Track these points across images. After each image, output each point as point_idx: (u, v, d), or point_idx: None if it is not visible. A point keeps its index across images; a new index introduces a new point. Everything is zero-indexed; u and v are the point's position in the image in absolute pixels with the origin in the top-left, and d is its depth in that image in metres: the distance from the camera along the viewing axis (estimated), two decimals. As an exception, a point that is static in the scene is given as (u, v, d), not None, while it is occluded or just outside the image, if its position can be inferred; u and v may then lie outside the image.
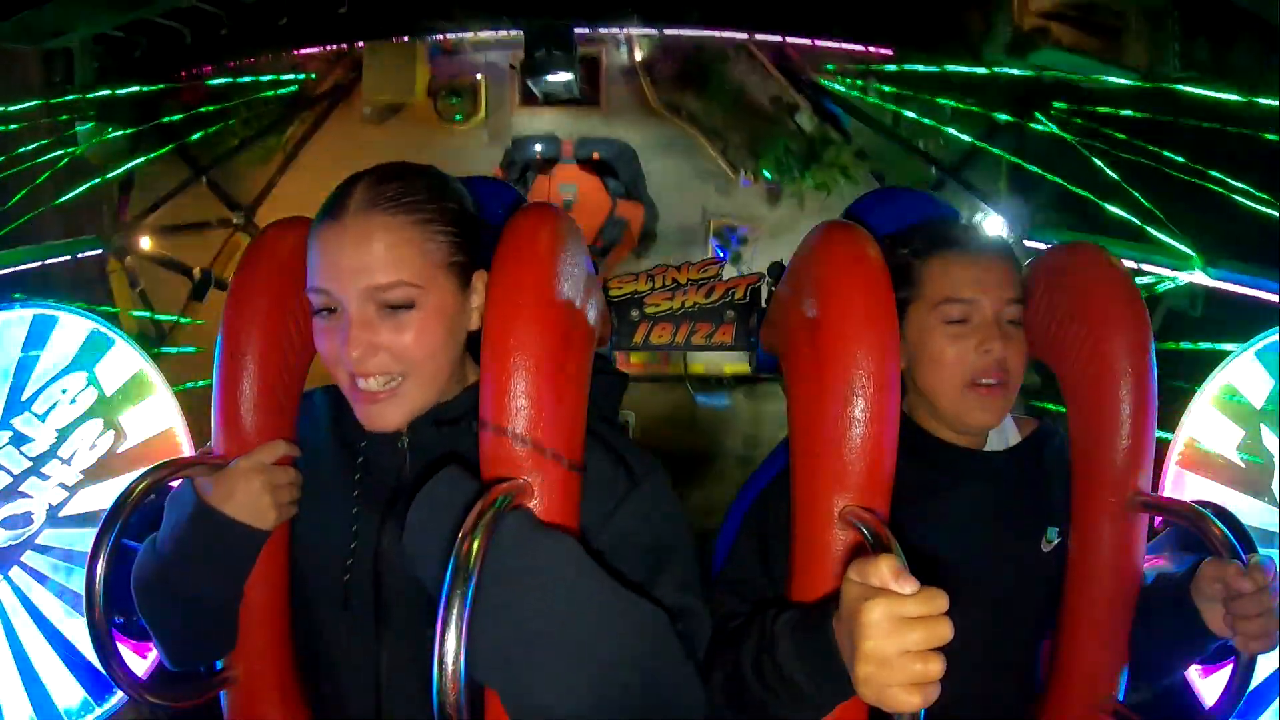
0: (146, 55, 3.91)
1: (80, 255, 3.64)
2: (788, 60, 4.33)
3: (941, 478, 1.02)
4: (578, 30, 3.96)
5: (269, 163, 4.42)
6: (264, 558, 0.88)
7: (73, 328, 1.93)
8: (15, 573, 1.87)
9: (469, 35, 4.38)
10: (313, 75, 4.40)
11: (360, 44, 4.23)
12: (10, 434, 1.88)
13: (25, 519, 1.88)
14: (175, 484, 0.91)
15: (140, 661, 1.76)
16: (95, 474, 1.90)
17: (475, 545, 0.65)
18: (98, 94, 3.68)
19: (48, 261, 3.31)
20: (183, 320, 4.13)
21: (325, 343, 0.83)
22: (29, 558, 1.88)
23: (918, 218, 1.10)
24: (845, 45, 4.11)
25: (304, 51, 4.29)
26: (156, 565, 0.87)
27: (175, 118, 4.06)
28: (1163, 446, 1.41)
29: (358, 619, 0.87)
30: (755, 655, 0.80)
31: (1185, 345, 2.74)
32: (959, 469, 1.03)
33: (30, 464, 1.88)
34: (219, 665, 0.93)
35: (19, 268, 3.09)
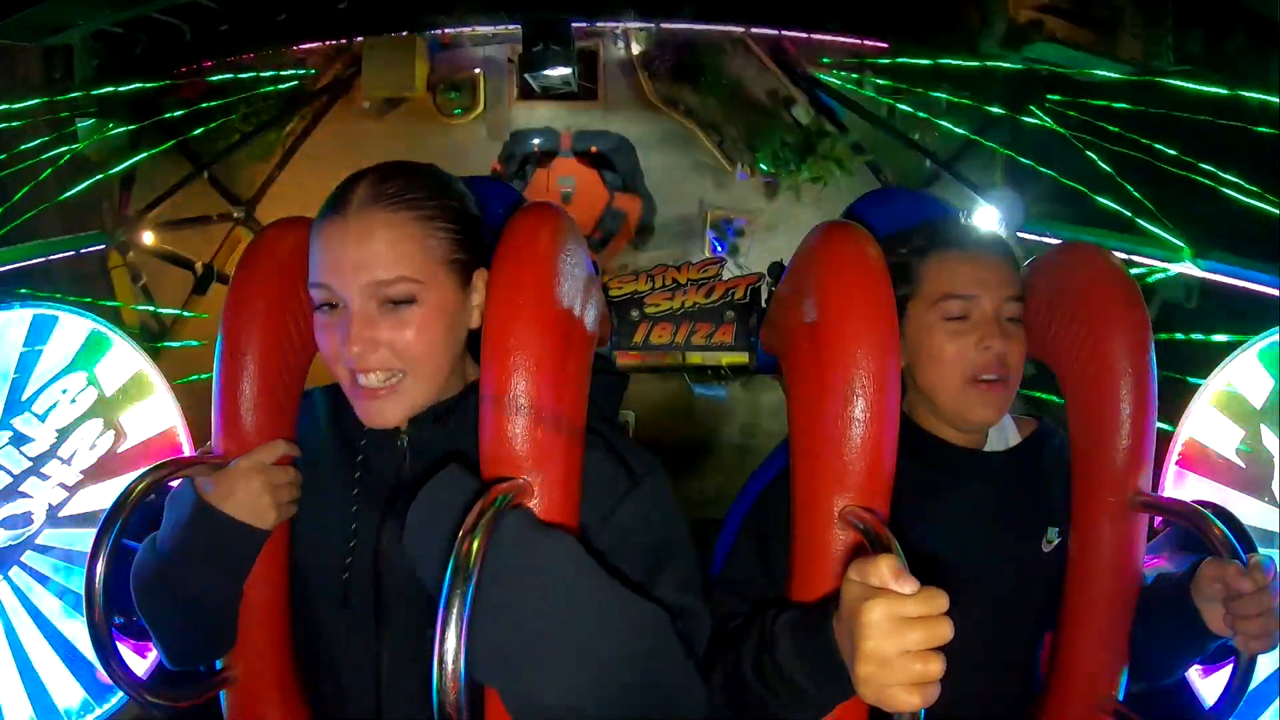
0: (146, 51, 3.92)
1: (83, 251, 3.65)
2: (784, 54, 4.35)
3: (941, 478, 1.02)
4: (575, 24, 3.98)
5: (269, 157, 4.44)
6: (264, 557, 0.88)
7: (73, 328, 1.93)
8: (15, 573, 1.87)
9: (467, 30, 4.41)
10: (313, 70, 4.42)
11: (359, 39, 4.25)
12: (10, 434, 1.88)
13: (25, 519, 1.88)
14: (175, 484, 0.91)
15: (140, 661, 1.76)
16: (95, 474, 1.90)
17: (475, 545, 0.64)
18: (101, 91, 3.69)
19: (52, 257, 3.32)
20: (185, 314, 4.16)
21: (326, 339, 0.83)
22: (29, 558, 1.88)
23: (918, 218, 1.10)
24: (841, 38, 4.13)
25: (303, 47, 4.31)
26: (156, 564, 0.87)
27: (176, 114, 4.08)
28: (1163, 443, 1.41)
29: (357, 618, 0.87)
30: (755, 655, 0.80)
31: (1178, 336, 2.75)
32: (959, 469, 1.03)
33: (30, 464, 1.88)
34: (219, 665, 0.93)
35: (23, 264, 3.10)
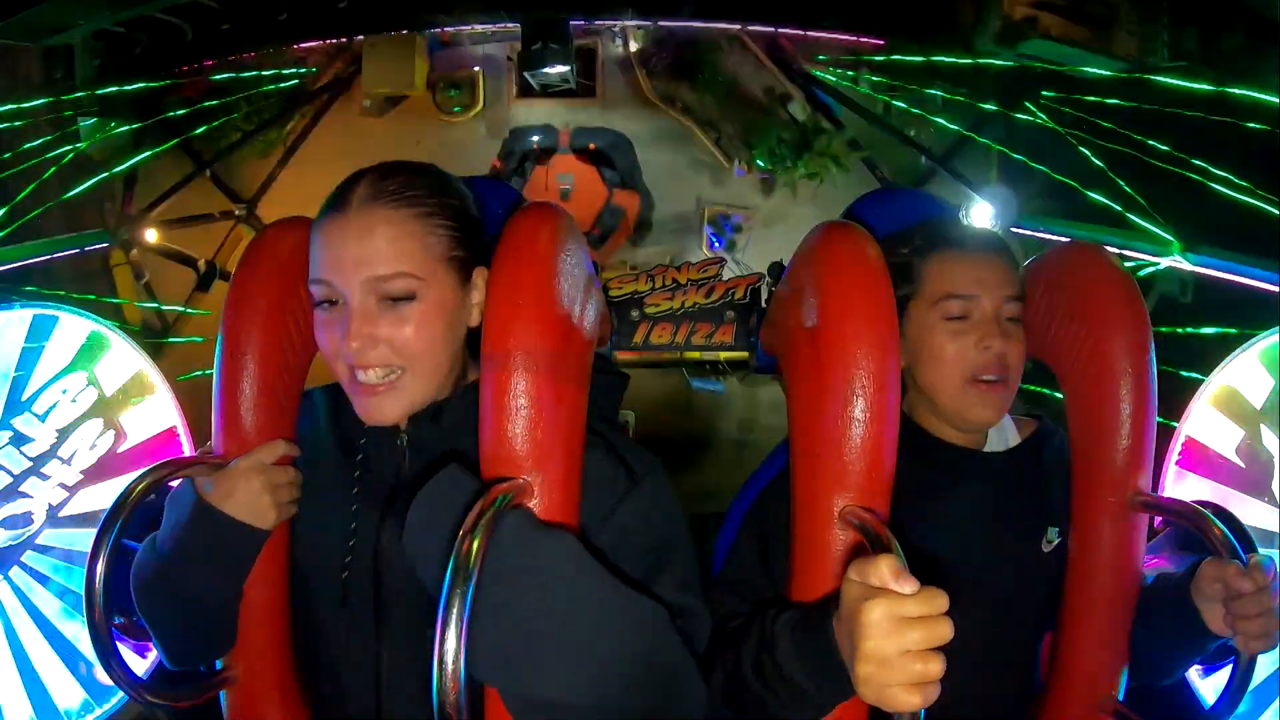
0: (147, 51, 3.94)
1: (86, 249, 3.68)
2: (780, 51, 4.38)
3: (941, 478, 1.02)
4: (573, 22, 4.01)
5: (270, 156, 4.48)
6: (263, 557, 0.88)
7: (73, 328, 1.94)
8: (15, 573, 1.87)
9: (466, 28, 4.43)
10: (313, 69, 4.44)
11: (359, 38, 4.27)
12: (10, 434, 1.88)
13: (25, 519, 1.88)
14: (175, 484, 0.91)
15: (140, 661, 1.76)
16: (95, 474, 1.90)
17: (475, 544, 0.64)
18: (106, 90, 3.71)
19: (56, 255, 3.34)
20: (189, 311, 4.20)
21: (326, 335, 0.83)
22: (29, 558, 1.88)
23: (917, 217, 1.10)
24: (837, 36, 4.16)
25: (304, 45, 4.33)
26: (156, 564, 0.87)
27: (178, 113, 4.10)
28: (1163, 440, 1.41)
29: (357, 617, 0.87)
30: (755, 655, 0.80)
31: (1178, 331, 2.76)
32: (959, 469, 1.03)
33: (30, 464, 1.89)
34: (219, 665, 0.93)
35: (28, 261, 3.12)
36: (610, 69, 4.62)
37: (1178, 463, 1.78)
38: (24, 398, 1.89)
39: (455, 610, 0.61)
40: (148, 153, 3.98)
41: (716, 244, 4.56)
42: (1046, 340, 1.03)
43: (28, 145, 3.38)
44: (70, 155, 3.58)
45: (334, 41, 4.35)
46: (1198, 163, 2.80)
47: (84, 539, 1.87)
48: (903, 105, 4.16)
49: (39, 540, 1.88)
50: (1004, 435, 1.06)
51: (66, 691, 1.84)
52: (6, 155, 3.20)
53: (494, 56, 4.61)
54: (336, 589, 0.88)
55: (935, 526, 0.95)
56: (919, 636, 0.62)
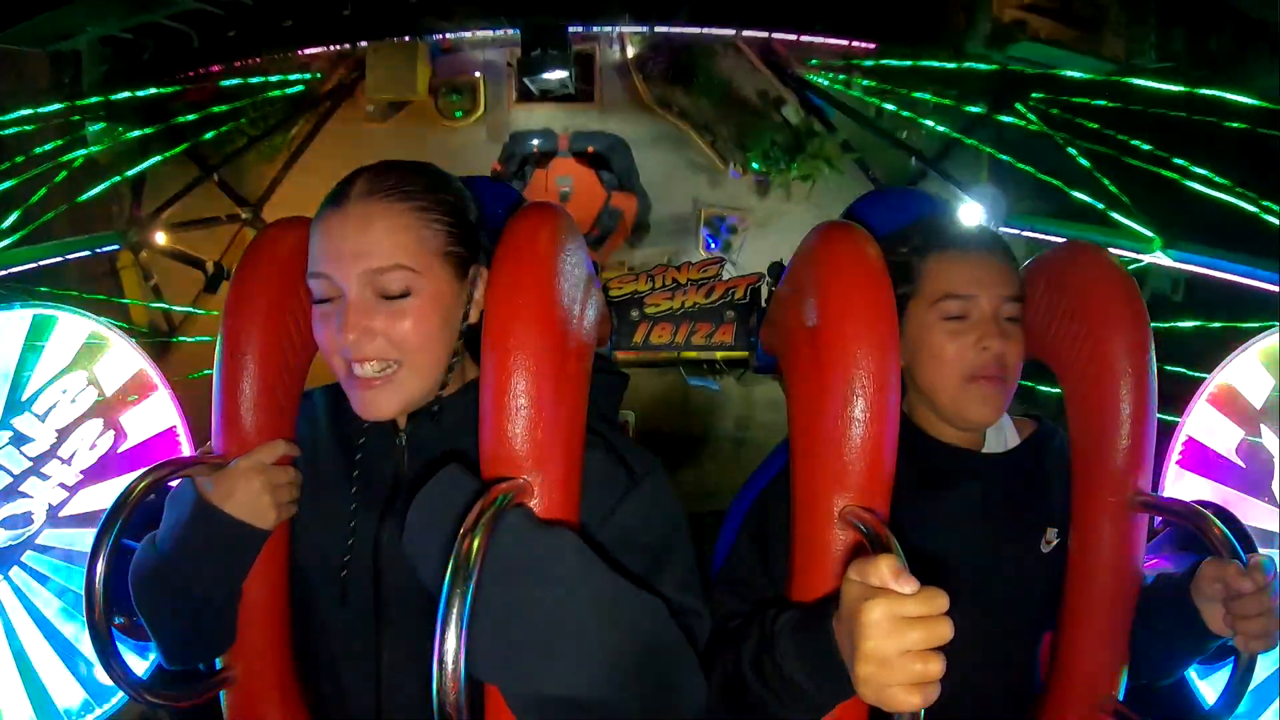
0: (154, 57, 3.98)
1: (97, 251, 3.72)
2: (774, 55, 4.45)
3: (941, 478, 1.02)
4: (572, 29, 4.06)
5: (275, 160, 4.54)
6: (263, 557, 0.88)
7: (73, 328, 1.93)
8: (15, 573, 1.87)
9: (468, 35, 4.49)
10: (318, 75, 4.49)
11: (363, 44, 4.32)
12: (10, 434, 1.88)
13: (25, 519, 1.88)
14: (175, 484, 0.91)
15: (140, 662, 1.76)
16: (95, 474, 1.90)
17: (475, 544, 0.64)
18: (119, 96, 3.75)
19: (69, 257, 3.38)
20: (197, 312, 4.25)
21: (324, 330, 0.84)
22: (29, 558, 1.88)
23: (917, 216, 1.10)
24: (830, 40, 4.20)
25: (308, 52, 4.39)
26: (155, 562, 0.87)
27: (187, 118, 4.16)
28: (1163, 440, 1.42)
29: (356, 617, 0.87)
30: (755, 655, 0.80)
31: (1162, 326, 2.79)
32: (958, 470, 1.03)
33: (30, 464, 1.88)
34: (218, 665, 0.93)
35: (42, 263, 3.14)
36: (608, 74, 4.68)
37: (1178, 462, 1.78)
38: (24, 398, 1.89)
39: (455, 610, 0.61)
40: (156, 158, 4.03)
41: (712, 245, 4.60)
42: (1046, 340, 1.03)
43: (38, 150, 3.41)
44: (80, 159, 3.61)
45: (338, 48, 4.43)
46: (1179, 161, 2.84)
47: (84, 539, 1.87)
48: (892, 108, 4.20)
49: (39, 540, 1.88)
50: (1003, 435, 1.06)
51: (66, 691, 1.84)
52: (19, 159, 3.24)
53: (494, 62, 4.68)
54: (336, 588, 0.88)
55: (935, 527, 0.95)
56: (919, 636, 0.62)
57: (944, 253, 1.01)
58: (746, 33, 4.33)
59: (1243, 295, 2.61)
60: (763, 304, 2.82)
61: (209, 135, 4.25)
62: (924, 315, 1.01)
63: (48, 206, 3.38)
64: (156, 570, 0.87)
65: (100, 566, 0.83)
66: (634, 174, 4.67)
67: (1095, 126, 3.20)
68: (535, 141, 4.64)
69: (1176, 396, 1.80)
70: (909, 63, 3.96)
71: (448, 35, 4.45)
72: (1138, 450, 0.96)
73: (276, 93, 4.43)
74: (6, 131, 3.30)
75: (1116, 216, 3.12)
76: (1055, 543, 1.02)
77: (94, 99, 3.71)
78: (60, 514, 1.89)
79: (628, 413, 3.91)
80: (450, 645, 0.60)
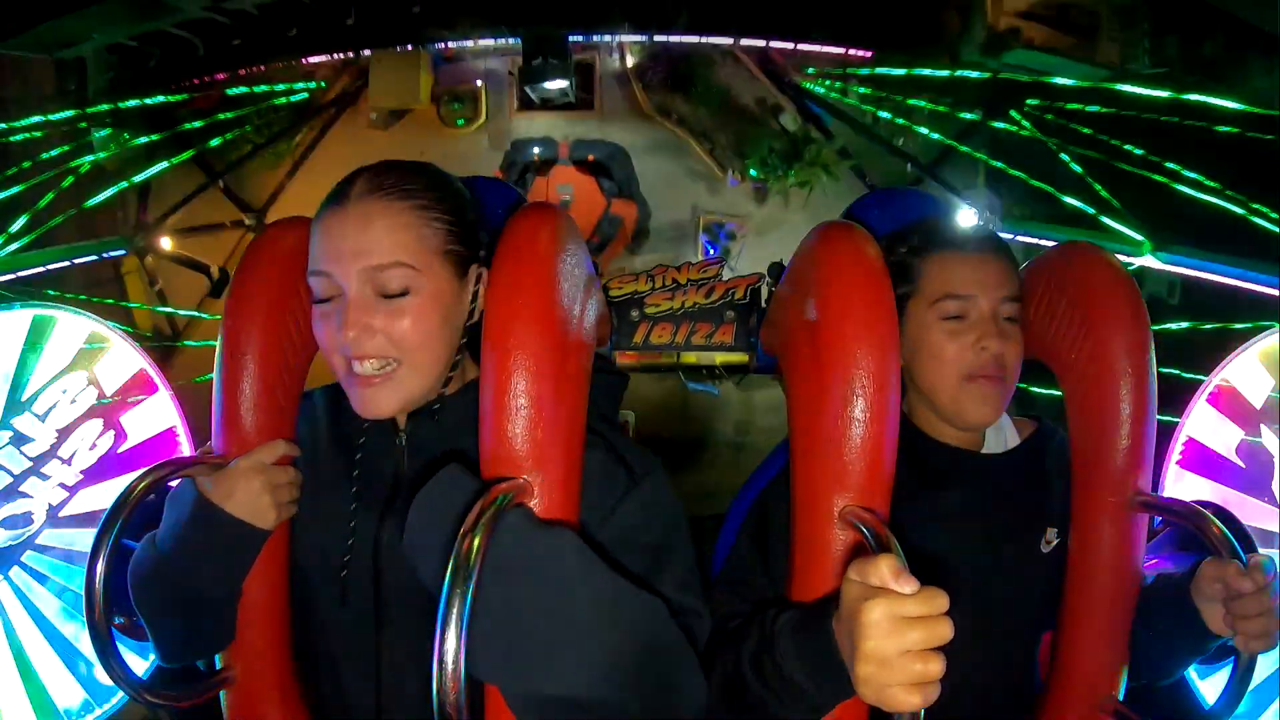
0: (160, 65, 4.02)
1: (104, 256, 3.77)
2: (772, 63, 4.51)
3: (941, 479, 1.02)
4: (573, 39, 4.11)
5: (279, 167, 4.61)
6: (263, 557, 0.88)
7: (72, 328, 1.94)
8: (15, 573, 1.87)
9: (470, 44, 4.56)
10: (321, 83, 4.55)
11: (366, 53, 4.38)
12: (10, 434, 1.88)
13: (25, 519, 1.88)
14: (175, 483, 0.91)
15: (140, 662, 1.76)
16: (95, 474, 1.90)
17: (475, 544, 0.64)
18: (128, 104, 3.79)
19: (76, 261, 3.41)
20: (202, 316, 4.30)
21: (324, 329, 0.84)
22: (29, 558, 1.88)
23: (916, 216, 1.10)
24: (827, 48, 4.26)
25: (312, 60, 4.46)
26: (155, 561, 0.87)
27: (192, 125, 4.21)
28: (1163, 440, 1.42)
29: (356, 616, 0.87)
30: (755, 655, 0.80)
31: (1158, 328, 2.82)
32: (958, 470, 1.03)
33: (30, 464, 1.89)
34: (218, 665, 0.93)
35: (50, 267, 3.17)
36: (608, 83, 4.74)
37: (1178, 463, 1.78)
38: (24, 398, 1.89)
39: (455, 610, 0.61)
40: (162, 164, 4.08)
41: (711, 251, 4.63)
42: (1046, 340, 1.03)
43: (45, 156, 3.44)
44: (87, 165, 3.65)
45: (342, 57, 4.50)
46: (1170, 166, 2.87)
47: (84, 539, 1.87)
48: (889, 115, 4.24)
49: (39, 540, 1.88)
50: (1002, 436, 1.06)
51: (66, 691, 1.84)
52: (26, 165, 3.26)
53: (496, 71, 4.74)
54: (336, 588, 0.88)
55: (935, 527, 0.95)
56: (919, 636, 0.62)
57: (943, 253, 1.01)
58: (744, 41, 4.39)
59: (1236, 297, 2.63)
60: (763, 304, 2.82)
61: (214, 142, 4.31)
62: (923, 315, 1.01)
63: (54, 212, 3.41)
64: (156, 570, 0.87)
65: (100, 566, 0.83)
66: (634, 181, 4.72)
67: (1088, 132, 3.23)
68: (536, 149, 4.71)
69: (1174, 398, 1.80)
70: (905, 70, 4.00)
71: (450, 44, 4.51)
72: (1138, 450, 0.96)
73: (281, 100, 4.48)
74: (14, 138, 3.33)
75: (1107, 220, 3.15)
76: (1055, 543, 1.02)
77: (102, 106, 3.74)
78: (60, 514, 1.89)
79: (628, 413, 3.92)
80: (450, 645, 0.60)
